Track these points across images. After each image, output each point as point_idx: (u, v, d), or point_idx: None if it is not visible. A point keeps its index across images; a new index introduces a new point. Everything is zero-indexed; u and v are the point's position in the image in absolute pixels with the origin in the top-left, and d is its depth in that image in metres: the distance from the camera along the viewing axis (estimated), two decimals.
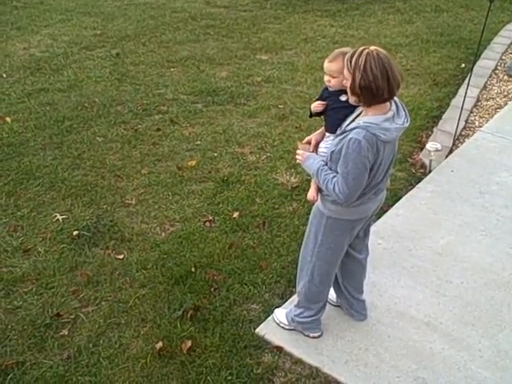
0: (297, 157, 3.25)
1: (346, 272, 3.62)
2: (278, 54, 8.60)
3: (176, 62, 8.20)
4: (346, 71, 2.86)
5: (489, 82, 7.58)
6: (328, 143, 3.22)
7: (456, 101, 6.83)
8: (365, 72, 2.75)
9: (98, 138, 6.08)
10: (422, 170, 5.58)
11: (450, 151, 5.89)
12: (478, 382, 3.43)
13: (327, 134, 3.33)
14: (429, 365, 3.53)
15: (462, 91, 6.82)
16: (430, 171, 5.50)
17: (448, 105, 6.86)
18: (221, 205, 5.00)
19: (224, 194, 5.16)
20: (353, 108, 3.08)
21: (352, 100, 2.94)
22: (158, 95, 7.13)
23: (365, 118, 2.88)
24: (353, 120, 3.01)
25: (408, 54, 8.56)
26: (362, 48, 2.80)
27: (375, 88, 2.76)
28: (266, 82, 7.59)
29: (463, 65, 8.09)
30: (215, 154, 5.80)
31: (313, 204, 3.33)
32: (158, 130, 6.28)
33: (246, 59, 8.36)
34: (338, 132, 3.01)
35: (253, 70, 7.94)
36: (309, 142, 3.38)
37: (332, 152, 2.98)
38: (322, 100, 3.31)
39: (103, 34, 9.33)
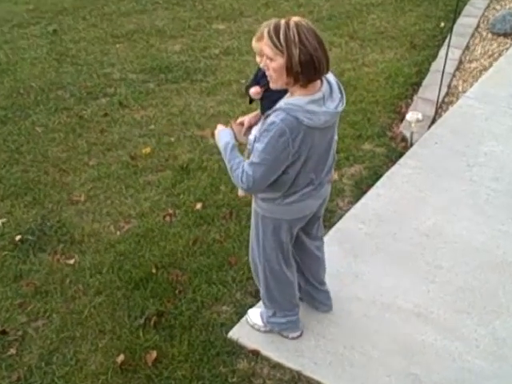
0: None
1: (301, 262, 3.63)
2: (237, 21, 8.55)
3: (122, 37, 8.10)
4: (269, 50, 2.73)
5: (471, 42, 7.64)
6: None
7: (436, 64, 6.88)
8: (302, 45, 2.66)
9: (37, 128, 5.99)
10: (402, 144, 5.62)
11: (433, 121, 5.94)
12: (475, 373, 3.49)
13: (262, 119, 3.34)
14: (421, 359, 3.57)
15: (442, 53, 6.86)
16: (411, 144, 5.54)
17: (428, 69, 6.90)
18: (181, 196, 4.97)
19: (184, 183, 5.13)
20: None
21: (280, 84, 2.82)
22: (104, 76, 7.04)
23: (287, 99, 2.84)
24: None
25: (381, 15, 8.58)
26: (283, 20, 2.71)
27: (317, 60, 2.70)
28: (224, 54, 7.55)
29: (442, 24, 8.14)
30: (172, 139, 5.76)
31: None
32: (106, 115, 6.21)
33: (201, 30, 8.30)
34: (264, 115, 2.94)
35: (209, 42, 7.89)
36: (242, 124, 3.37)
37: (255, 139, 2.93)
38: (257, 80, 3.36)
39: (37, 8, 9.16)
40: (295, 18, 2.72)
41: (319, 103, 2.81)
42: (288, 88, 2.87)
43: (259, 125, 3.20)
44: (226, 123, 5.87)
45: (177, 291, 4.07)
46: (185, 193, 5.01)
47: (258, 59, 3.28)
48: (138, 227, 4.66)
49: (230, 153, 3.02)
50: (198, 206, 4.85)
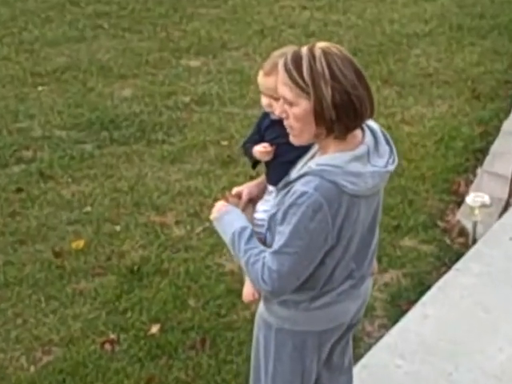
0: (213, 210, 3.21)
1: None
2: (218, 56, 8.72)
3: (47, 76, 8.23)
4: (287, 91, 2.78)
5: None
6: (270, 203, 3.20)
7: (510, 123, 6.98)
8: (336, 80, 2.70)
9: None
10: (461, 240, 5.67)
11: (506, 206, 6.00)
12: None
13: (270, 189, 3.34)
14: None
15: None
16: (474, 241, 5.58)
17: (498, 130, 7.00)
18: (129, 313, 4.97)
19: (134, 294, 5.13)
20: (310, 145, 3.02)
21: (307, 137, 2.86)
22: (18, 132, 7.12)
23: (319, 159, 2.86)
24: (305, 164, 2.97)
25: (429, 50, 8.78)
26: (306, 48, 2.76)
27: (357, 101, 2.75)
28: (198, 103, 7.66)
29: None
30: (117, 228, 5.81)
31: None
32: (19, 190, 6.26)
33: (165, 67, 8.45)
34: (280, 184, 2.99)
35: (176, 85, 8.02)
36: (239, 196, 3.40)
37: (272, 216, 2.95)
38: (262, 133, 3.35)
39: None
40: (322, 44, 2.76)
41: (363, 161, 2.82)
42: (317, 142, 2.91)
43: (268, 197, 3.22)
44: (200, 204, 6.00)
45: None
46: (134, 309, 5.00)
47: (263, 101, 3.24)
48: (64, 360, 4.62)
49: (248, 241, 2.97)
50: (154, 328, 4.84)
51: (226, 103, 7.65)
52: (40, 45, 8.99)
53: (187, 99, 7.74)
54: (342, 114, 2.73)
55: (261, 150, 3.27)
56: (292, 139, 2.89)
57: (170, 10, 9.98)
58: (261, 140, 3.39)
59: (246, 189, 3.38)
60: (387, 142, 2.97)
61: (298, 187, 2.76)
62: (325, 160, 2.80)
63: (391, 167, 2.90)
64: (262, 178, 3.43)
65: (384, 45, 8.95)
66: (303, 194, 2.73)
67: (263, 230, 3.06)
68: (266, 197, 3.32)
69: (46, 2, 10.25)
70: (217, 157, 6.74)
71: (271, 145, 3.26)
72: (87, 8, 10.07)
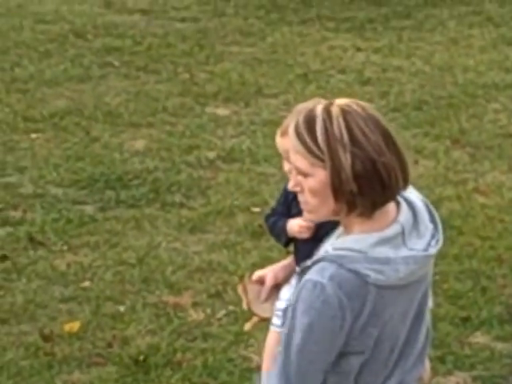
0: None
1: None
2: (251, 104, 8.74)
3: (42, 122, 8.27)
4: (300, 159, 2.75)
5: None
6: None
7: None
8: (357, 145, 2.66)
9: None
10: None
11: None
12: None
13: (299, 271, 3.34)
14: None
15: None
16: None
17: None
18: None
19: None
20: None
21: (325, 213, 2.81)
22: (5, 188, 7.15)
23: (338, 241, 2.85)
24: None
25: (511, 105, 8.77)
26: (321, 106, 2.73)
27: (384, 169, 2.71)
28: (225, 160, 7.67)
29: None
30: (121, 309, 5.79)
31: None
32: (4, 258, 6.27)
33: (187, 115, 8.48)
34: (298, 269, 2.96)
35: (199, 138, 8.04)
36: (262, 282, 3.38)
37: (286, 310, 2.95)
38: (288, 204, 3.34)
39: None
40: (341, 101, 2.73)
41: (395, 243, 2.77)
42: (340, 219, 2.86)
43: (293, 282, 3.20)
44: (223, 283, 5.98)
45: None
46: None
47: (285, 167, 3.28)
48: None
49: None
50: None
51: (260, 161, 7.64)
52: (36, 84, 9.01)
53: (212, 155, 7.75)
54: (365, 186, 2.69)
55: (302, 224, 3.25)
56: (306, 215, 2.87)
57: (195, 47, 10.03)
58: (288, 212, 3.40)
59: (270, 272, 3.36)
60: (432, 219, 2.92)
61: (311, 276, 2.71)
62: (344, 243, 2.78)
63: (433, 250, 2.82)
64: (290, 258, 3.42)
65: (455, 97, 8.93)
66: (315, 285, 2.69)
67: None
68: (292, 280, 3.31)
69: (44, 33, 10.29)
70: (246, 226, 6.74)
71: (289, 206, 3.27)
72: (95, 41, 10.12)
